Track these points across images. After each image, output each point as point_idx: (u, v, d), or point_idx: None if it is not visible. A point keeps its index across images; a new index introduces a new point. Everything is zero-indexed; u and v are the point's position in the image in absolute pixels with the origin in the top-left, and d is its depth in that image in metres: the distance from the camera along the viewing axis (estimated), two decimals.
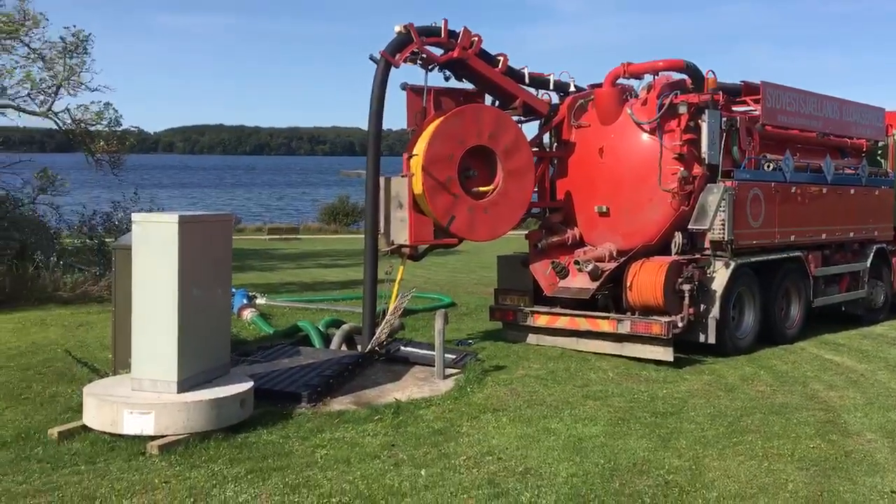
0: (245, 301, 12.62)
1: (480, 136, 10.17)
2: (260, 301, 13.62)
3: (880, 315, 14.06)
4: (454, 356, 9.46)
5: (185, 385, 6.93)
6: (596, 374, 9.45)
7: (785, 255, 11.76)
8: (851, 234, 13.19)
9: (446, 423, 7.39)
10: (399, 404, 7.82)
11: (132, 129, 18.10)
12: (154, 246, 6.89)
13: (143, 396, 6.81)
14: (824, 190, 12.56)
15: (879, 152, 14.36)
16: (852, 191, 13.20)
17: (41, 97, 16.57)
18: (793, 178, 11.90)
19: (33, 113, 16.64)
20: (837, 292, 13.02)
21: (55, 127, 17.34)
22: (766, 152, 11.73)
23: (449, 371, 9.02)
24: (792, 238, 11.87)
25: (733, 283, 10.63)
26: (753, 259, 11.13)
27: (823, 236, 12.55)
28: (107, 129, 17.28)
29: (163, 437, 6.57)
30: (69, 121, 16.97)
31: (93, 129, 17.18)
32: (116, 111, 17.21)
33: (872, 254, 13.70)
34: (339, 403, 7.94)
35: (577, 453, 6.60)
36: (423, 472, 6.11)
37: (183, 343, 6.90)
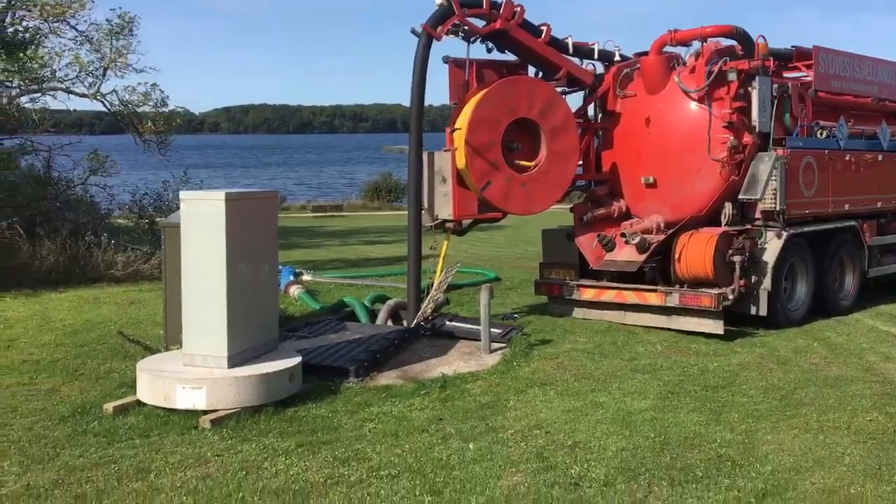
0: (291, 277, 12.74)
1: (530, 110, 10.06)
2: (306, 277, 13.74)
3: None
4: (500, 330, 9.43)
5: (235, 360, 7.01)
6: (644, 347, 9.34)
7: (839, 225, 11.47)
8: None
9: (493, 397, 7.38)
10: (446, 379, 7.82)
11: (178, 109, 18.26)
12: (202, 223, 6.95)
13: (194, 371, 6.91)
14: (880, 157, 12.19)
15: None
16: None
17: (89, 79, 16.81)
18: (847, 145, 11.56)
19: (82, 95, 16.90)
20: (893, 262, 12.67)
21: (103, 109, 17.61)
22: (819, 119, 11.40)
23: (495, 345, 8.99)
24: (846, 207, 11.56)
25: (785, 253, 10.39)
26: (806, 229, 10.87)
27: (879, 205, 12.20)
28: (153, 109, 17.45)
29: (214, 411, 6.67)
30: (117, 102, 17.19)
31: (140, 110, 17.36)
32: (163, 92, 17.37)
33: None
34: (386, 378, 7.98)
35: (627, 427, 6.54)
36: (471, 446, 6.11)
37: (232, 319, 6.97)
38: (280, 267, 13.52)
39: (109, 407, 6.88)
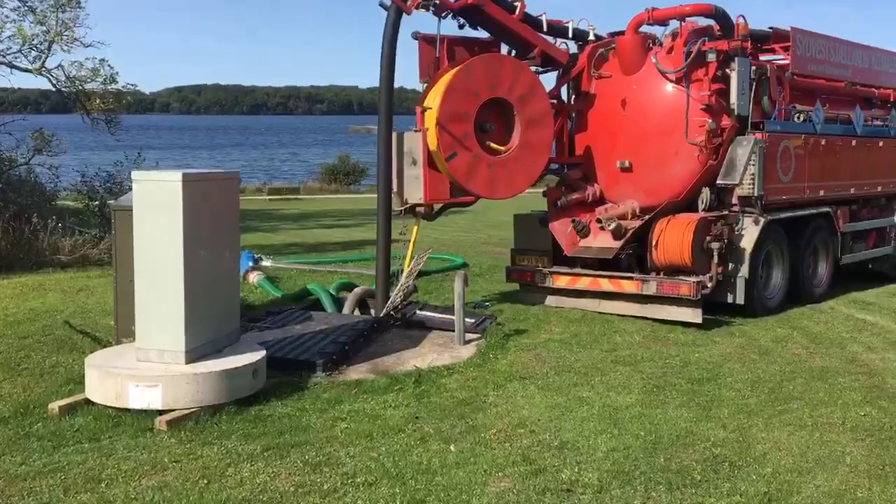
0: (251, 264, 12.15)
1: (495, 89, 9.61)
2: (266, 263, 13.16)
3: None
4: (472, 320, 9.02)
5: (193, 355, 6.48)
6: (622, 337, 9.01)
7: (814, 211, 11.28)
8: (879, 189, 12.69)
9: (471, 392, 6.97)
10: (420, 372, 7.39)
11: (129, 86, 17.42)
12: (156, 206, 6.39)
13: (149, 368, 6.36)
14: (854, 142, 12.03)
15: None
16: (881, 143, 12.67)
17: (33, 53, 15.93)
18: (823, 129, 11.35)
19: (25, 70, 16.01)
20: (864, 249, 12.56)
21: (49, 86, 16.71)
22: (795, 103, 11.17)
23: (469, 336, 8.58)
24: (821, 193, 11.38)
25: (763, 240, 10.15)
26: (783, 215, 10.64)
27: (852, 191, 12.06)
28: (102, 86, 16.61)
29: (171, 411, 6.14)
30: (63, 78, 16.31)
31: (87, 87, 16.50)
32: (112, 68, 16.55)
33: None
34: (356, 372, 7.51)
35: (615, 425, 6.18)
36: (451, 448, 5.69)
37: (190, 310, 6.43)
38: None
39: (55, 407, 6.30)
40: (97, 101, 16.40)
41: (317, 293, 9.96)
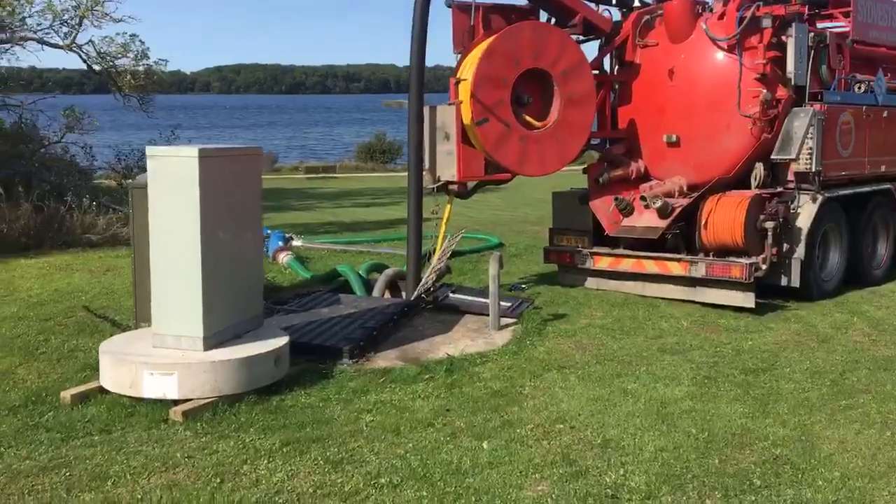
0: (281, 244, 11.80)
1: (538, 58, 9.07)
2: (296, 243, 12.80)
3: None
4: (508, 304, 8.54)
5: (212, 341, 6.12)
6: (668, 323, 8.47)
7: (875, 188, 10.56)
8: None
9: (506, 382, 6.51)
10: (452, 360, 6.95)
11: (160, 62, 17.13)
12: (172, 183, 6.00)
13: (165, 354, 6.01)
14: None
15: None
16: None
17: (64, 29, 15.69)
18: (885, 101, 10.61)
19: (56, 46, 15.78)
20: None
21: (81, 63, 16.50)
22: (855, 72, 10.44)
23: (504, 321, 8.11)
24: (882, 168, 10.65)
25: (820, 219, 9.49)
26: (842, 192, 9.95)
27: None
28: (133, 63, 16.34)
29: (188, 401, 5.79)
30: (94, 54, 16.07)
31: (119, 62, 16.24)
32: (143, 43, 16.29)
33: None
34: (385, 359, 7.09)
35: (663, 420, 5.68)
36: (484, 445, 5.24)
37: (209, 294, 6.06)
38: (268, 231, 12.62)
39: (67, 395, 5.98)
40: (128, 77, 16.11)
41: (346, 275, 9.56)
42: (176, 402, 5.78)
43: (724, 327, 8.35)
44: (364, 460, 5.03)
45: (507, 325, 8.06)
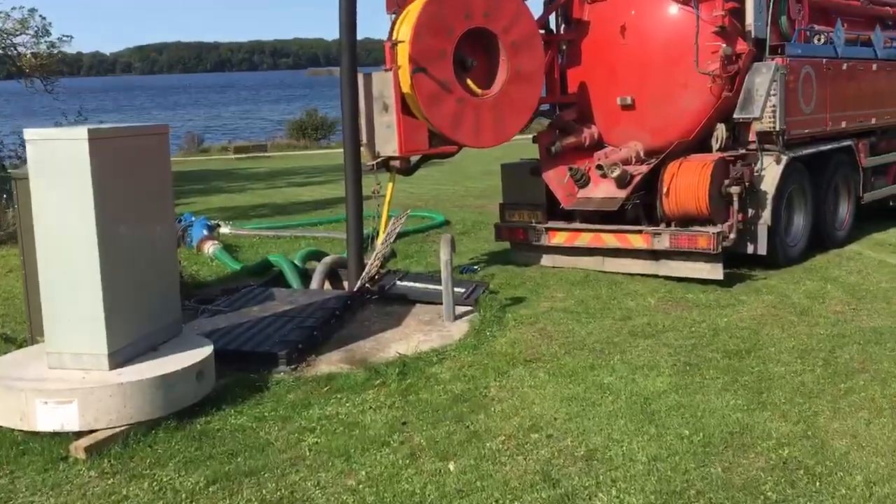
0: (206, 232, 10.75)
1: (490, 19, 8.26)
2: (224, 230, 11.79)
3: None
4: (462, 290, 7.75)
5: (119, 357, 5.17)
6: (634, 301, 7.80)
7: (836, 145, 10.05)
8: None
9: (468, 383, 5.72)
10: (405, 361, 6.12)
11: (65, 38, 15.70)
12: (58, 172, 5.00)
13: (62, 378, 5.04)
14: (874, 67, 10.77)
15: None
16: None
17: None
18: (844, 53, 10.07)
19: None
20: (885, 185, 11.39)
21: None
22: (813, 23, 9.88)
23: (459, 309, 7.31)
24: (843, 125, 10.14)
25: (785, 181, 8.92)
26: (805, 151, 9.40)
27: (873, 121, 10.83)
28: (34, 39, 14.92)
29: (92, 432, 4.84)
30: None
31: (17, 39, 14.80)
32: (44, 18, 14.85)
33: None
34: (328, 363, 6.23)
35: (650, 421, 4.97)
36: (451, 467, 4.45)
37: (112, 301, 5.10)
38: (192, 219, 11.55)
39: None
40: (28, 56, 14.69)
41: (279, 265, 8.61)
42: (78, 435, 4.83)
43: (693, 303, 7.72)
44: (308, 497, 4.18)
45: (462, 315, 7.27)
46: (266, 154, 33.19)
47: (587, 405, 5.24)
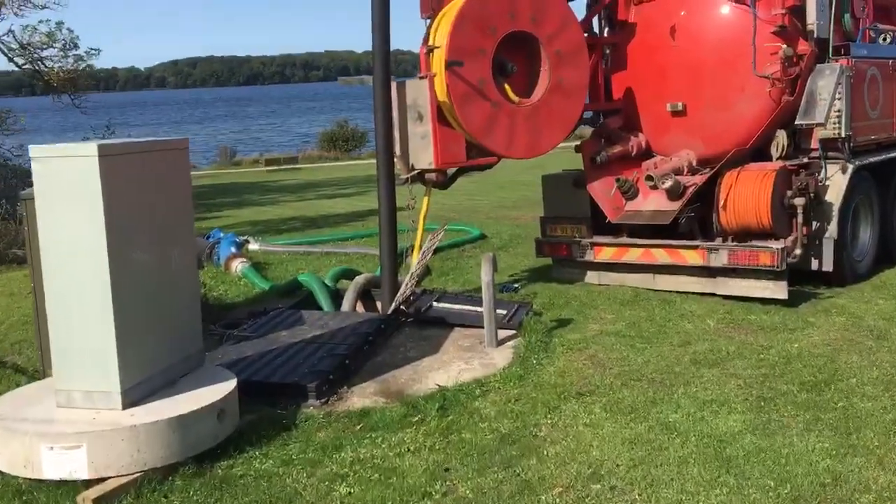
0: (233, 249, 10.31)
1: (536, 24, 7.73)
2: (253, 247, 11.35)
3: None
4: (504, 311, 7.19)
5: (133, 395, 4.70)
6: (692, 323, 7.19)
7: None
8: None
9: (516, 421, 5.16)
10: (445, 394, 5.58)
11: (92, 51, 15.45)
12: (67, 192, 4.56)
13: (70, 418, 4.58)
14: None
15: None
16: None
17: None
18: None
19: None
20: None
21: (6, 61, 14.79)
22: (877, 21, 9.21)
23: (501, 333, 6.76)
24: None
25: (851, 192, 8.27)
26: (871, 159, 8.72)
27: None
28: (61, 53, 14.67)
29: (102, 480, 4.37)
30: (15, 46, 14.37)
31: (44, 53, 14.56)
32: (71, 31, 14.61)
33: None
34: (361, 395, 5.71)
35: (727, 469, 4.37)
36: None
37: (125, 334, 4.64)
38: (219, 235, 11.14)
39: None
40: (55, 69, 14.45)
41: (309, 285, 8.11)
42: (87, 484, 4.36)
43: (758, 326, 7.09)
44: None
45: (505, 340, 6.71)
46: (297, 166, 32.98)
47: (653, 449, 4.66)
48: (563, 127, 8.22)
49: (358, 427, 5.14)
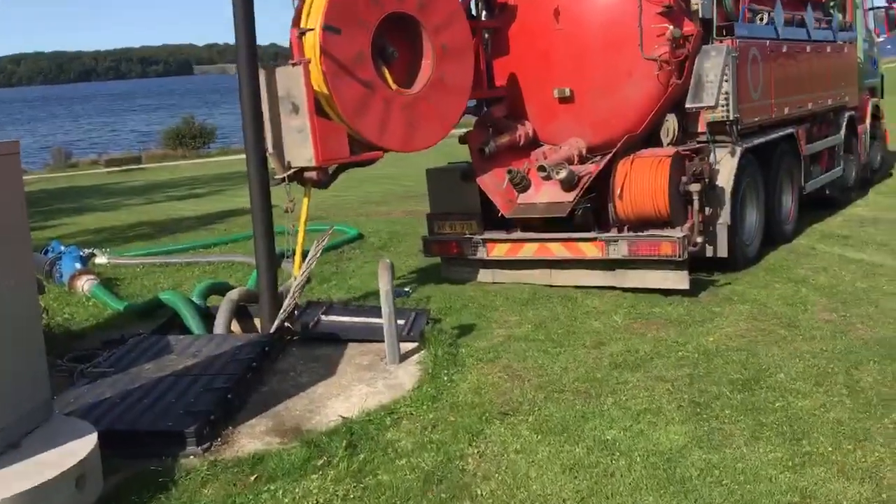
0: (78, 266, 9.04)
1: (404, 0, 7.05)
2: (100, 260, 10.10)
3: (852, 193, 12.18)
4: (402, 321, 6.49)
5: None
6: (599, 321, 6.79)
7: (781, 133, 9.37)
8: (829, 102, 10.97)
9: (437, 453, 4.49)
10: (350, 427, 4.84)
11: None
12: None
13: None
14: (808, 48, 10.19)
15: (832, 3, 11.94)
16: (828, 48, 10.93)
17: None
18: (783, 34, 9.42)
19: None
20: (820, 173, 10.87)
21: None
22: (752, 2, 9.16)
23: (402, 346, 6.06)
24: (786, 111, 9.48)
25: (740, 175, 8.13)
26: (756, 141, 8.64)
27: (810, 106, 10.25)
28: None
29: None
30: None
31: None
32: None
33: (845, 123, 11.64)
34: (251, 436, 4.87)
35: (683, 493, 3.90)
36: None
37: None
38: (61, 248, 9.83)
39: None
40: None
41: (174, 304, 7.08)
42: None
43: (665, 319, 6.77)
44: None
45: (407, 354, 6.03)
46: (141, 166, 30.92)
47: (598, 476, 4.12)
48: (442, 125, 7.62)
49: (252, 478, 4.32)
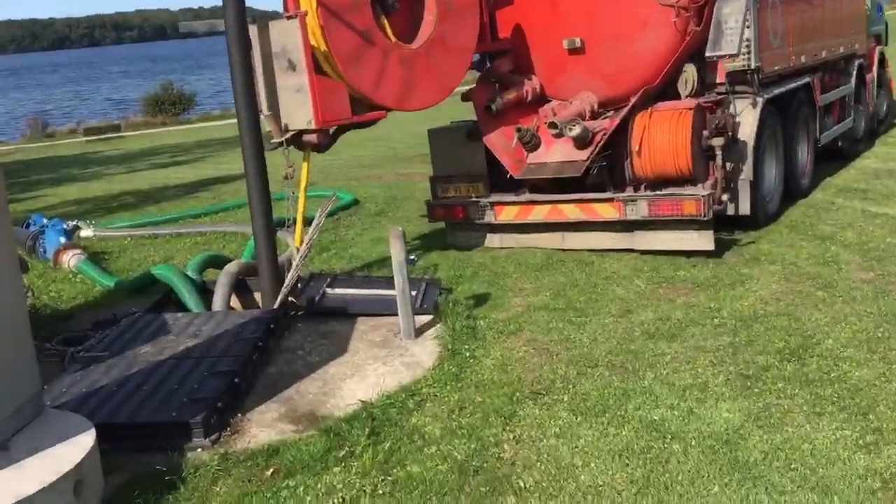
0: (63, 239, 8.52)
1: None
2: (85, 233, 9.58)
3: (860, 145, 11.80)
4: (413, 292, 6.04)
5: None
6: (621, 287, 6.39)
7: (799, 83, 8.92)
8: (841, 49, 10.52)
9: (470, 440, 4.10)
10: (371, 411, 4.43)
11: None
12: None
13: None
14: None
15: None
16: None
17: None
18: None
19: None
20: (833, 124, 10.46)
21: None
22: None
23: (417, 320, 5.64)
24: (803, 59, 9.02)
25: (762, 127, 7.71)
26: (776, 91, 8.20)
27: (824, 54, 9.79)
28: None
29: None
30: None
31: None
32: None
33: (855, 72, 11.21)
34: (262, 424, 4.46)
35: (752, 482, 3.52)
36: None
37: None
38: (44, 221, 9.31)
39: None
40: None
41: (168, 279, 6.61)
42: None
43: (692, 282, 6.38)
44: None
45: (422, 328, 5.61)
46: (121, 134, 30.15)
47: (652, 462, 3.74)
48: (440, 87, 7.13)
49: (268, 473, 3.92)
